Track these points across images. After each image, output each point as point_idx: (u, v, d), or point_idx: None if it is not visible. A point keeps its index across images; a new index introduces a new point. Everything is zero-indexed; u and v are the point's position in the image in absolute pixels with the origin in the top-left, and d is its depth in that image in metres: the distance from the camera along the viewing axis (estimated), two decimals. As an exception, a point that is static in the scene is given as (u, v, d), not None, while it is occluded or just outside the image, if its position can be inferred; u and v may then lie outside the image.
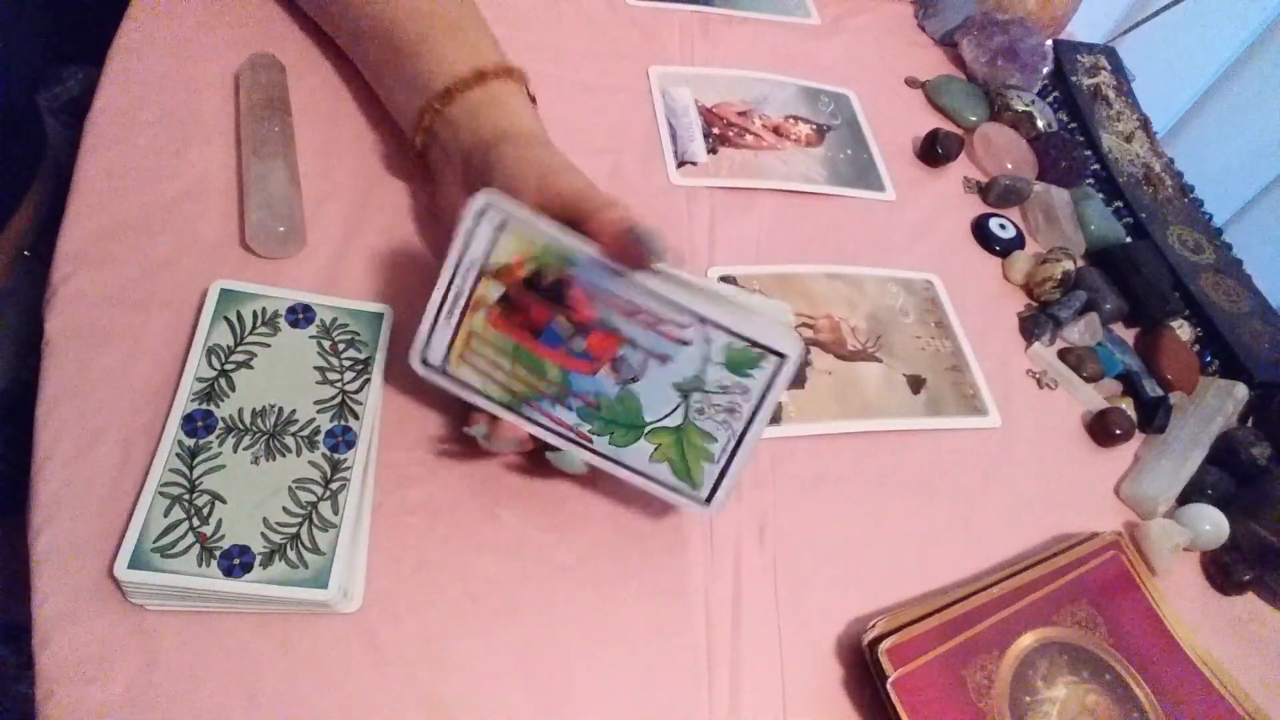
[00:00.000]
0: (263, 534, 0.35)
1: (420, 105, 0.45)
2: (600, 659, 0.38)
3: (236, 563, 0.34)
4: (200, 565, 0.34)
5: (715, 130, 0.62)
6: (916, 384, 0.53)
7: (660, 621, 0.40)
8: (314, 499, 0.36)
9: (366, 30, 0.49)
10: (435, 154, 0.46)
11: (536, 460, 0.42)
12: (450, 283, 0.37)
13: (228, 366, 0.39)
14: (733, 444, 0.37)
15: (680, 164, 0.59)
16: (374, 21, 0.48)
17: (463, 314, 0.37)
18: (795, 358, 0.35)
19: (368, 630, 0.36)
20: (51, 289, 0.40)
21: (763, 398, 0.36)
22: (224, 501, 0.35)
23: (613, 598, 0.40)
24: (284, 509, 0.36)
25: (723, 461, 0.37)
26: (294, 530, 0.35)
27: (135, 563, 0.33)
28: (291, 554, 0.35)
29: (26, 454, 0.36)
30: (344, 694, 0.34)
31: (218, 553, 0.34)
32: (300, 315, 0.41)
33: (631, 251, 0.35)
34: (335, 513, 0.36)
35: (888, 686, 0.38)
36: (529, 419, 0.38)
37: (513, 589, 0.38)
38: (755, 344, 0.35)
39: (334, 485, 0.37)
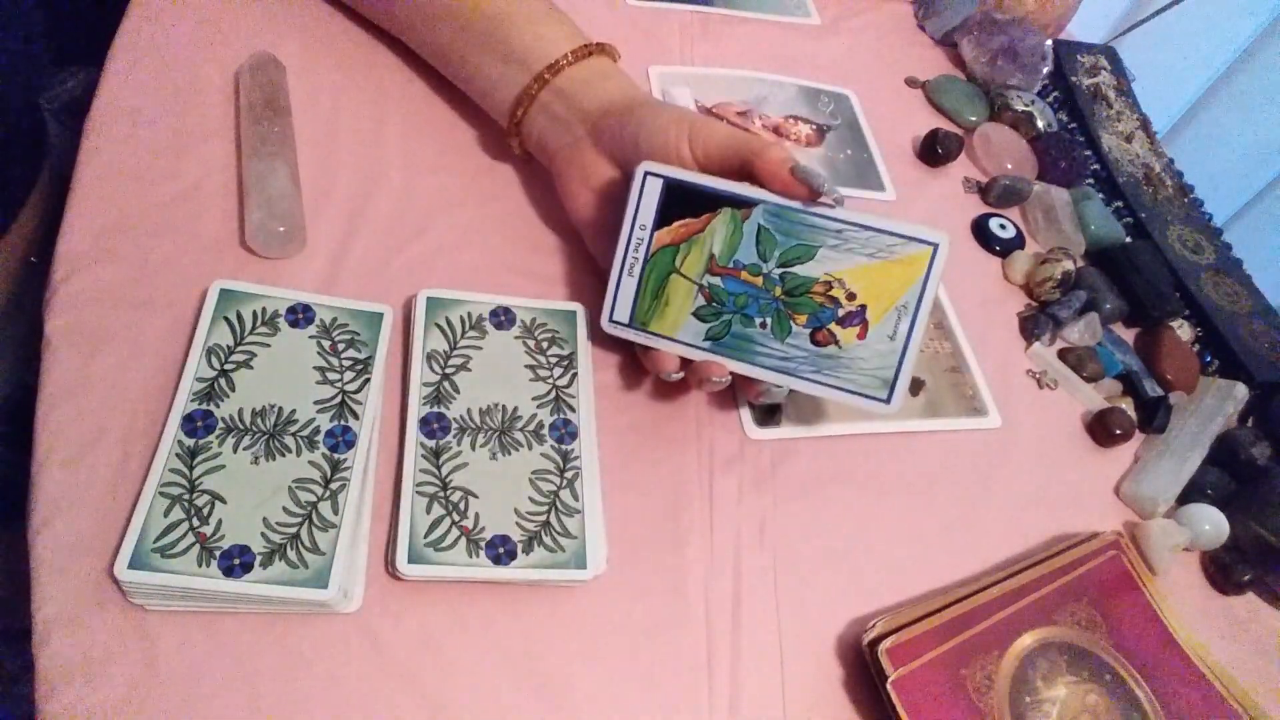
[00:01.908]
0: (263, 534, 0.35)
1: (526, 80, 0.47)
2: (600, 658, 0.38)
3: (236, 563, 0.34)
4: (200, 565, 0.34)
5: (715, 130, 0.62)
6: (915, 386, 0.53)
7: (660, 621, 0.40)
8: (314, 499, 0.36)
9: (442, 13, 0.50)
10: (542, 124, 0.48)
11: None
12: (627, 248, 0.42)
13: (227, 366, 0.39)
14: (903, 341, 0.41)
15: (680, 164, 0.59)
16: (450, 3, 0.50)
17: (644, 273, 0.42)
18: (944, 246, 0.40)
19: (368, 630, 0.36)
20: (51, 289, 0.40)
21: (922, 290, 0.40)
22: (224, 502, 0.35)
23: (613, 598, 0.40)
24: (284, 509, 0.36)
25: (896, 360, 0.41)
26: (294, 530, 0.35)
27: (135, 563, 0.33)
28: (292, 554, 0.35)
29: (30, 458, 0.36)
30: (344, 694, 0.34)
31: (218, 553, 0.34)
32: (300, 315, 0.41)
33: (801, 188, 0.40)
34: (335, 513, 0.36)
35: (888, 686, 0.38)
36: (720, 354, 0.42)
37: (513, 589, 0.38)
38: (911, 238, 0.40)
39: (334, 485, 0.37)
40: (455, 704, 0.35)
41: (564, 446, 0.41)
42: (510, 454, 0.40)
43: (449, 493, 0.38)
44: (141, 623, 0.33)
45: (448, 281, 0.47)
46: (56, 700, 0.31)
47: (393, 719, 0.34)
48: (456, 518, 0.37)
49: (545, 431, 0.41)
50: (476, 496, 0.38)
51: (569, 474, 0.40)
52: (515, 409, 0.42)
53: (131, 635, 0.33)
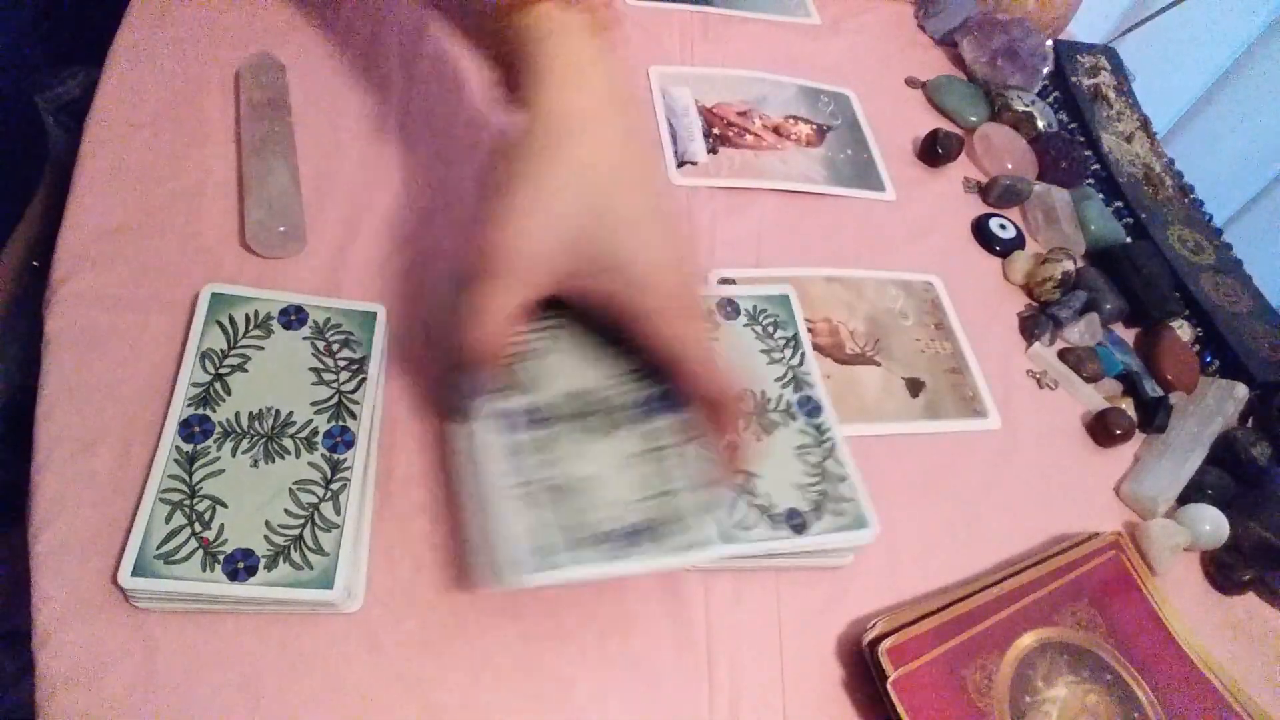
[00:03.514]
0: (266, 537, 0.35)
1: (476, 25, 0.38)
2: (600, 659, 0.38)
3: (241, 566, 0.34)
4: (204, 570, 0.34)
5: (715, 130, 0.62)
6: (915, 387, 0.53)
7: (660, 621, 0.40)
8: (315, 500, 0.36)
9: None
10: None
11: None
12: None
13: (222, 370, 0.39)
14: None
15: (680, 164, 0.59)
16: None
17: None
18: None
19: (368, 630, 0.36)
20: (51, 289, 0.40)
21: None
22: (225, 506, 0.35)
23: (612, 597, 0.40)
24: (285, 511, 0.36)
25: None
26: (297, 532, 0.35)
27: (139, 570, 0.33)
28: (295, 555, 0.35)
29: (30, 462, 0.36)
30: (344, 694, 0.34)
31: (221, 557, 0.34)
32: (293, 317, 0.41)
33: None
34: (337, 513, 0.36)
35: (888, 686, 0.38)
36: None
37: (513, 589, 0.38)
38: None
39: (334, 486, 0.37)
40: (455, 704, 0.35)
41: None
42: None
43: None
44: (142, 623, 0.33)
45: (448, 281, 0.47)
46: (56, 700, 0.31)
47: (392, 719, 0.34)
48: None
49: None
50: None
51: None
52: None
53: (132, 636, 0.33)
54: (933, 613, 0.41)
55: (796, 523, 0.39)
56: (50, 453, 0.36)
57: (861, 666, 0.40)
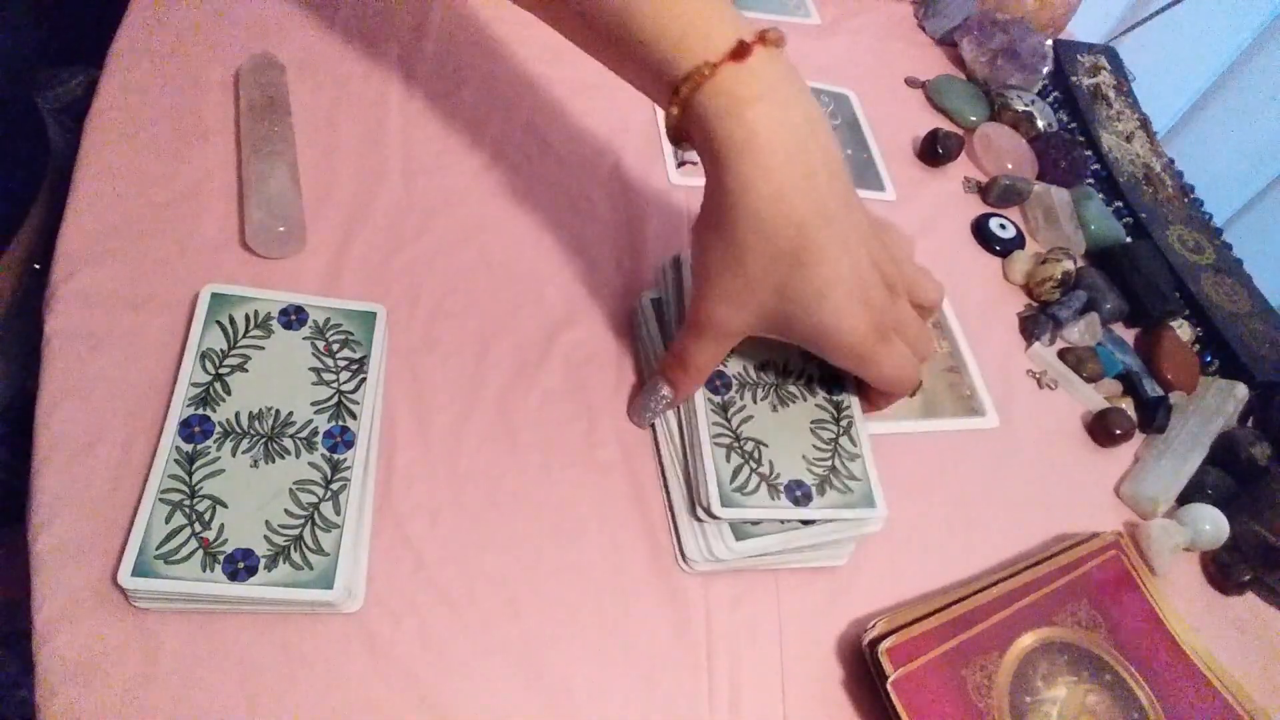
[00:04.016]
0: (266, 537, 0.35)
1: (665, 94, 0.36)
2: (600, 659, 0.38)
3: (241, 566, 0.34)
4: (205, 570, 0.34)
5: (715, 130, 0.62)
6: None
7: (660, 621, 0.40)
8: (315, 500, 0.36)
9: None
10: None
11: (539, 462, 0.42)
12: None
13: (222, 370, 0.39)
14: None
15: (680, 164, 0.59)
16: None
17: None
18: None
19: (368, 630, 0.36)
20: (51, 289, 0.40)
21: None
22: (225, 506, 0.35)
23: (613, 597, 0.40)
24: (286, 511, 0.36)
25: None
26: (297, 532, 0.35)
27: (139, 570, 0.33)
28: (296, 555, 0.35)
29: (29, 462, 0.36)
30: (344, 694, 0.34)
31: (221, 557, 0.34)
32: (293, 317, 0.41)
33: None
34: (337, 513, 0.36)
35: (888, 686, 0.38)
36: None
37: (513, 589, 0.38)
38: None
39: (334, 485, 0.37)
40: (455, 704, 0.35)
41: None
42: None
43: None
44: (142, 623, 0.33)
45: (448, 281, 0.47)
46: (56, 700, 0.31)
47: (392, 719, 0.34)
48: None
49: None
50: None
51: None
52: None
53: (131, 635, 0.33)
54: (933, 613, 0.41)
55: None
56: (50, 452, 0.36)
57: (861, 666, 0.40)
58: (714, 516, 0.39)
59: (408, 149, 0.52)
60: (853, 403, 0.44)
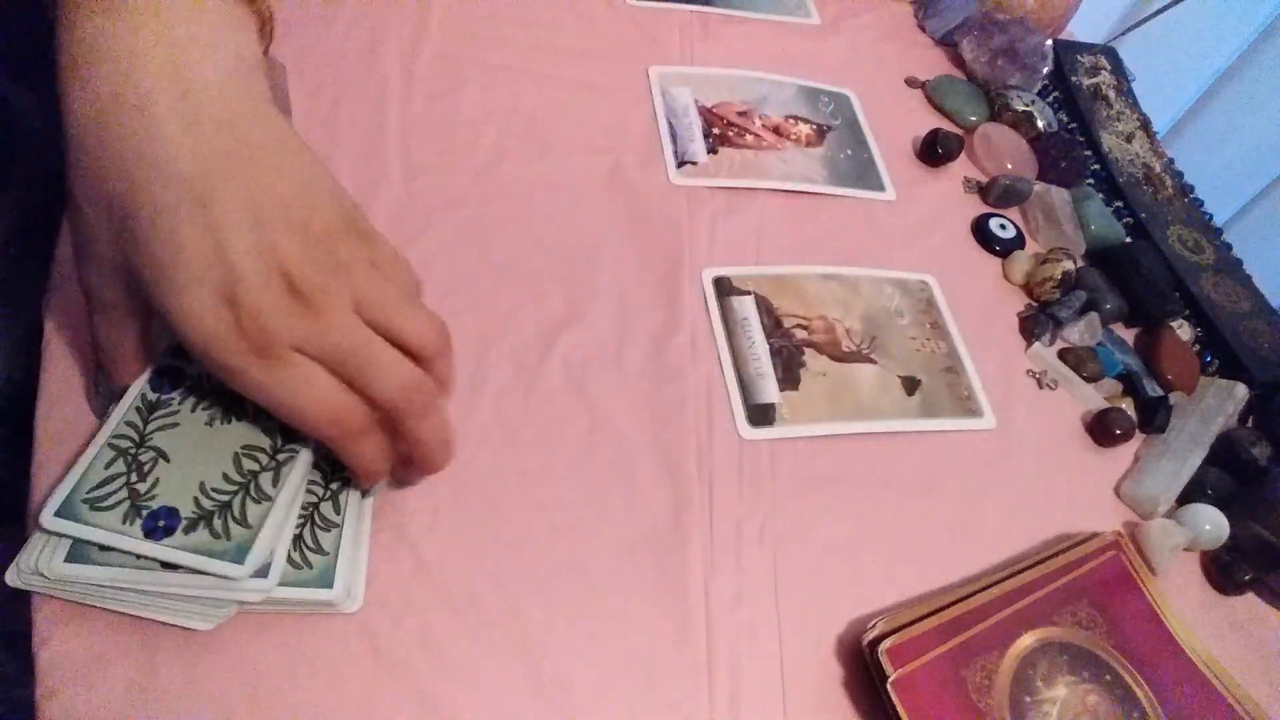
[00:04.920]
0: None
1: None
2: (600, 659, 0.38)
3: (160, 525, 0.32)
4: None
5: (715, 130, 0.62)
6: (911, 385, 0.53)
7: (660, 621, 0.40)
8: (315, 499, 0.36)
9: None
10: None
11: (539, 462, 0.42)
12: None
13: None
14: None
15: (680, 164, 0.59)
16: None
17: None
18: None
19: (368, 630, 0.36)
20: (51, 289, 0.40)
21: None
22: (168, 460, 0.34)
23: (613, 598, 0.40)
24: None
25: None
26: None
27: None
28: (295, 555, 0.35)
29: (21, 457, 0.36)
30: (344, 694, 0.34)
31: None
32: None
33: None
34: (337, 512, 0.36)
35: (888, 686, 0.38)
36: None
37: (513, 589, 0.38)
38: None
39: (334, 485, 0.37)
40: (455, 704, 0.35)
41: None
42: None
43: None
44: (141, 623, 0.33)
45: (447, 281, 0.47)
46: (56, 700, 0.31)
47: (392, 719, 0.34)
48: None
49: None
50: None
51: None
52: None
53: (131, 635, 0.33)
54: (933, 613, 0.41)
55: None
56: (50, 452, 0.36)
57: (861, 667, 0.40)
58: (39, 525, 0.31)
59: (408, 149, 0.52)
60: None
